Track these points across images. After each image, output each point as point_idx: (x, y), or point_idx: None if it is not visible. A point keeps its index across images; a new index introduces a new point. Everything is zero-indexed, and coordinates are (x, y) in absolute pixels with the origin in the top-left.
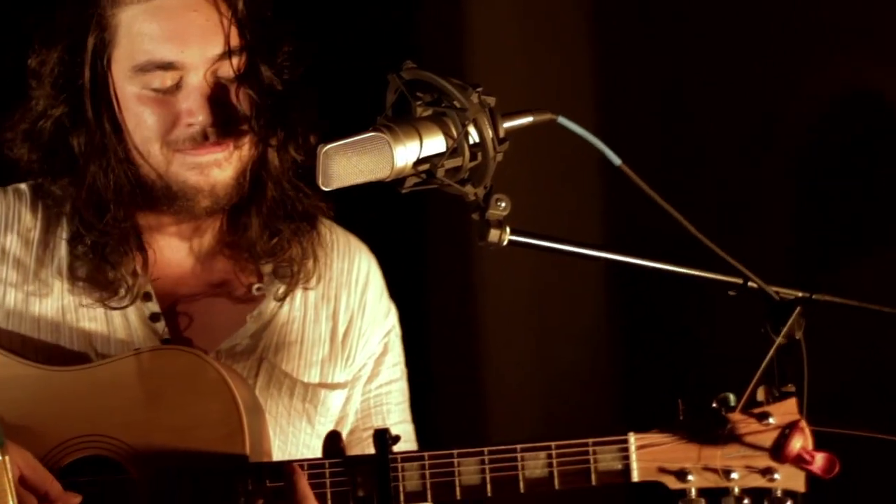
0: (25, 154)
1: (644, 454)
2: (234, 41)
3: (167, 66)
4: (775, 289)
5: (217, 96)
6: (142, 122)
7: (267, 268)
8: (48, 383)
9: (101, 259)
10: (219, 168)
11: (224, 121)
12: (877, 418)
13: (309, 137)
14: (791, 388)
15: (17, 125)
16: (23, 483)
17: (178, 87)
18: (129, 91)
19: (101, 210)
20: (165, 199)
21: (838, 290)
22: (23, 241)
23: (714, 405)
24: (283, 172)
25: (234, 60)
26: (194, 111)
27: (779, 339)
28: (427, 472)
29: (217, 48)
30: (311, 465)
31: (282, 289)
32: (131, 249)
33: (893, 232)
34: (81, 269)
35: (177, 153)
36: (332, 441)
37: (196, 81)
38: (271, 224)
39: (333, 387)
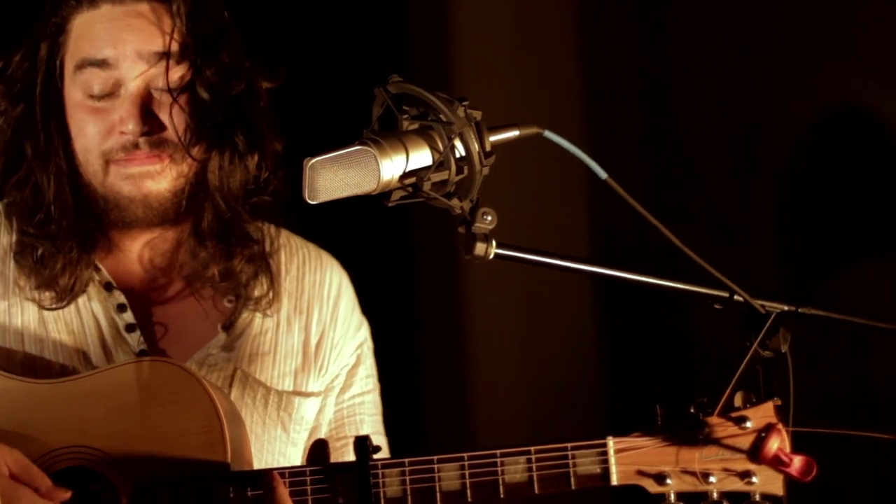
0: None
1: (623, 458)
2: (171, 52)
3: (101, 64)
4: (761, 302)
5: (150, 108)
6: (81, 131)
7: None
8: (31, 395)
9: (36, 262)
10: (152, 180)
11: (155, 132)
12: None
13: (248, 159)
14: (778, 401)
15: None
16: (13, 480)
17: (115, 96)
18: (73, 98)
19: (37, 213)
20: (103, 211)
21: (824, 303)
22: (1, 254)
23: (692, 409)
24: (221, 193)
25: (170, 72)
26: (125, 119)
27: (755, 345)
28: (408, 479)
29: (152, 47)
30: (293, 472)
31: (234, 313)
32: (68, 254)
33: (879, 245)
34: (24, 270)
35: (111, 164)
36: (319, 449)
37: (131, 89)
38: (201, 242)
39: (307, 395)
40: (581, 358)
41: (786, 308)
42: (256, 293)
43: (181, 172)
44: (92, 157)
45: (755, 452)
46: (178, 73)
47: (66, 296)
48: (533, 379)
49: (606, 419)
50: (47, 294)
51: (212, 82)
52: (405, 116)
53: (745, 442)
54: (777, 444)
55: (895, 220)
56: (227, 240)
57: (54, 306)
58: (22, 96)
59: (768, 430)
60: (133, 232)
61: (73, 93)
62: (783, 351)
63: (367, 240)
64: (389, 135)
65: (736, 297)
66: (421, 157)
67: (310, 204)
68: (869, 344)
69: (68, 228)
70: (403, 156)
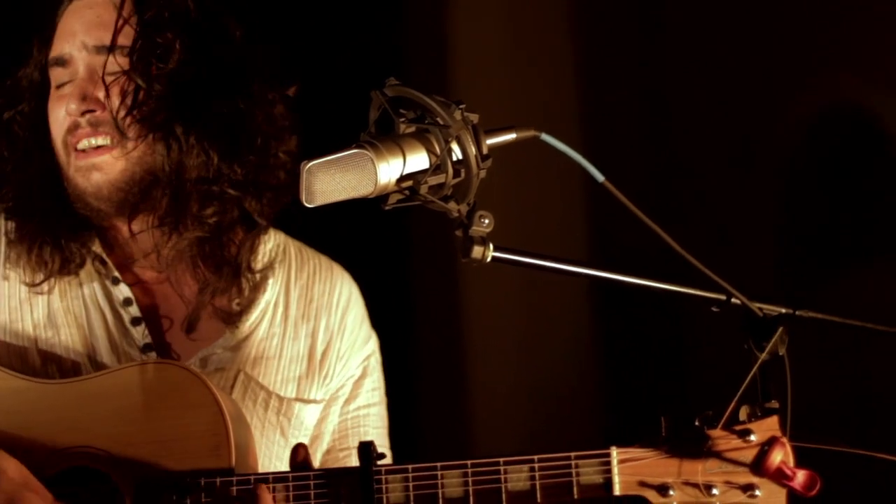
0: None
1: (626, 468)
2: (119, 40)
3: (61, 62)
4: (758, 305)
5: (93, 89)
6: (52, 122)
7: (246, 284)
8: (39, 395)
9: (27, 246)
10: (99, 171)
11: (99, 113)
12: (860, 433)
13: (192, 146)
14: (774, 404)
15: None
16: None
17: (71, 83)
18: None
19: (24, 199)
20: (72, 199)
21: (822, 306)
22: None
23: (696, 422)
24: (168, 177)
25: (109, 61)
26: (68, 99)
27: (762, 356)
28: (411, 485)
29: (96, 41)
30: (296, 476)
31: (240, 313)
32: (55, 239)
33: (878, 247)
34: (15, 252)
35: (70, 155)
36: (297, 452)
37: (80, 73)
38: (157, 226)
39: (308, 401)
40: (579, 361)
41: (783, 311)
42: (266, 298)
43: (128, 158)
44: (58, 147)
45: (758, 465)
46: (122, 58)
47: (55, 274)
48: (530, 382)
49: (604, 422)
50: (33, 273)
51: (161, 71)
52: (402, 120)
53: (749, 455)
54: (780, 457)
55: (894, 223)
56: (175, 223)
57: (41, 291)
58: (24, 91)
59: (772, 443)
60: (137, 225)
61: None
62: (780, 354)
63: (364, 243)
64: (386, 138)
65: (733, 300)
66: (418, 160)
67: (307, 207)
68: (867, 347)
69: (54, 215)
70: (400, 159)
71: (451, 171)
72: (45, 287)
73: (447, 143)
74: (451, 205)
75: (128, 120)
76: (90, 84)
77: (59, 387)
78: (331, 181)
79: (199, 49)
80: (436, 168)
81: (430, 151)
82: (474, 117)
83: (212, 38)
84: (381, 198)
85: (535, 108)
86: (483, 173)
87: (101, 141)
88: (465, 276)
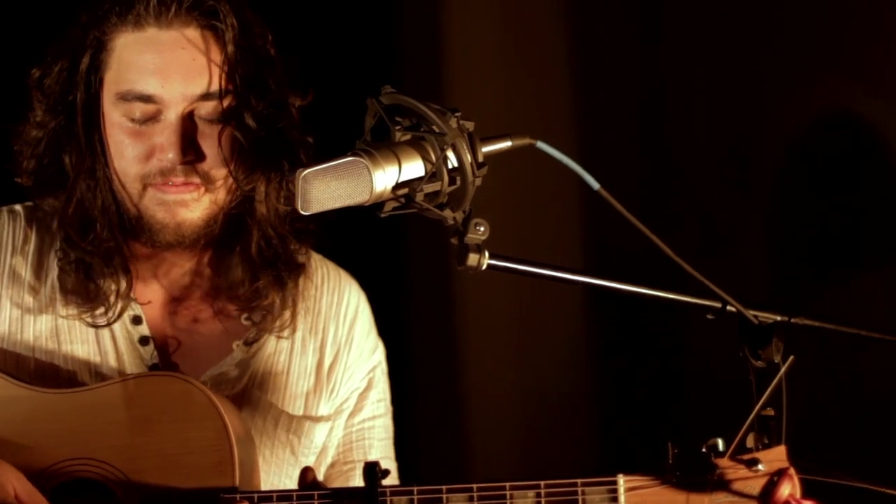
0: (27, 166)
1: (632, 496)
2: (218, 84)
3: (146, 99)
4: (754, 312)
5: (192, 136)
6: (120, 151)
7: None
8: (40, 405)
9: (85, 276)
10: (186, 208)
11: (196, 161)
12: (856, 441)
13: (293, 185)
14: (770, 412)
15: (22, 136)
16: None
17: (156, 120)
18: (112, 117)
19: (87, 228)
20: (137, 228)
21: (818, 314)
22: (20, 260)
23: (703, 450)
24: (269, 221)
25: (214, 104)
26: (166, 147)
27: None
28: None
29: (198, 88)
30: (300, 496)
31: (253, 333)
32: (115, 269)
33: (873, 254)
34: (67, 284)
35: (149, 187)
36: (305, 476)
37: (173, 118)
38: (253, 271)
39: (318, 419)
40: (575, 368)
41: (779, 318)
42: (278, 321)
43: (214, 201)
44: (129, 180)
45: (766, 497)
46: (224, 103)
47: (114, 311)
48: (527, 390)
49: (601, 430)
50: (94, 309)
51: (258, 112)
52: (398, 127)
53: (756, 486)
54: (788, 489)
55: (888, 229)
56: (277, 267)
57: (103, 323)
58: (61, 109)
59: (780, 475)
60: (174, 247)
61: (113, 113)
62: (776, 362)
63: (360, 251)
64: (382, 146)
65: (729, 307)
66: (413, 168)
67: (303, 214)
68: (863, 354)
69: (116, 244)
70: (396, 167)
71: (446, 178)
72: (102, 321)
73: (443, 150)
74: (447, 212)
75: (237, 168)
76: (190, 132)
77: (59, 396)
78: (326, 189)
79: (281, 82)
80: (431, 176)
81: (426, 159)
82: (470, 125)
83: (282, 68)
84: (377, 205)
85: (531, 115)
86: (479, 181)
87: (193, 190)
88: (461, 284)
